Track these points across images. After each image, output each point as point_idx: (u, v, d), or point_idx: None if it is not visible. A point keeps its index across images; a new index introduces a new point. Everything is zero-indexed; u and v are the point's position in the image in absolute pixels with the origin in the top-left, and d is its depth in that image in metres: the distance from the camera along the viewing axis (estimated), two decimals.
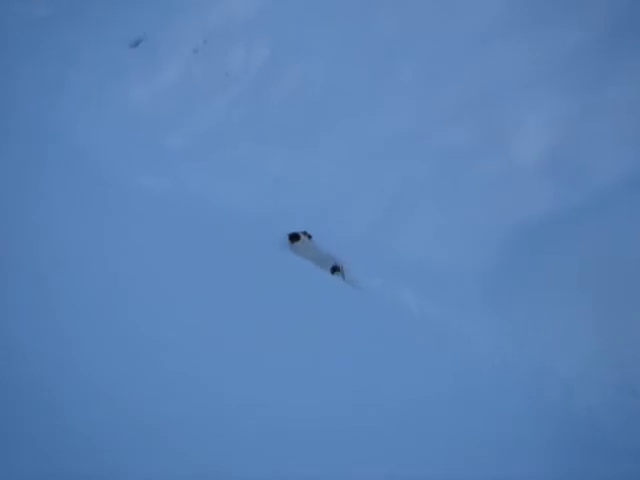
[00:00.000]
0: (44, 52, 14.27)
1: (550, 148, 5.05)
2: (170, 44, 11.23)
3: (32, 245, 4.23)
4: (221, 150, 7.65)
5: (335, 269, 4.88)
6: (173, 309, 3.71)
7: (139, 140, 8.75)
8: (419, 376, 3.43)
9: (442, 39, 6.68)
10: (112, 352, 3.13)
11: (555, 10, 5.92)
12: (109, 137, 8.99)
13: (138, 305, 3.71)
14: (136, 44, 13.66)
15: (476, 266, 4.68)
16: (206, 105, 9.00)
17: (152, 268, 4.29)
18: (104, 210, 5.64)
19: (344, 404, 2.96)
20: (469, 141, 5.49)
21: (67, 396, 2.64)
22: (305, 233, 5.48)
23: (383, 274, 4.93)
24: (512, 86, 5.63)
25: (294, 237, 5.48)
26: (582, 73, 5.24)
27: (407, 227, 5.25)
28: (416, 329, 4.20)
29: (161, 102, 10.00)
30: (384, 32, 7.56)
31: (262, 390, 3.04)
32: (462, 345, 3.98)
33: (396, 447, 2.76)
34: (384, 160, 5.94)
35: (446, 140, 5.64)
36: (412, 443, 2.83)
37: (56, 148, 8.42)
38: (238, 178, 6.78)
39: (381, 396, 3.08)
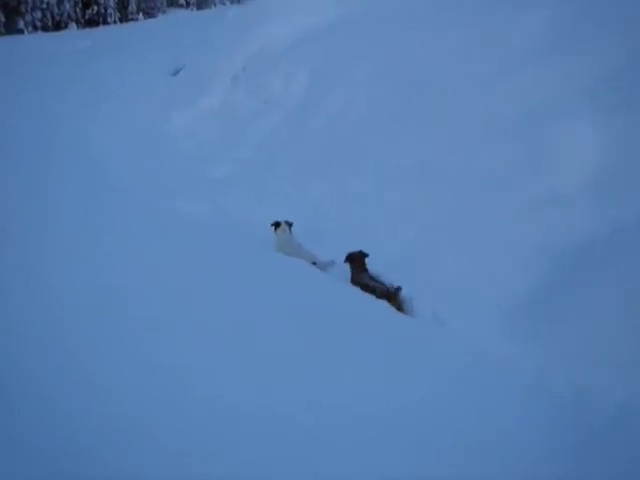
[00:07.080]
0: (84, 83, 14.69)
1: (590, 171, 5.03)
2: (209, 72, 11.54)
3: (91, 269, 4.33)
4: (261, 175, 7.79)
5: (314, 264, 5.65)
6: (202, 317, 3.70)
7: (179, 168, 8.94)
8: (458, 394, 3.48)
9: (478, 63, 6.72)
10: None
11: (595, 31, 5.91)
12: (149, 165, 9.18)
13: (165, 311, 3.77)
14: (176, 73, 14.05)
15: (517, 289, 4.68)
16: (245, 132, 9.18)
17: (190, 282, 4.34)
18: (147, 234, 5.75)
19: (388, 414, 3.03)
20: (509, 164, 5.50)
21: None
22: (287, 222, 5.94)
23: (421, 296, 4.96)
24: (551, 108, 5.63)
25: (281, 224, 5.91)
26: (622, 94, 5.21)
27: (446, 250, 5.26)
28: (458, 350, 4.21)
29: (201, 129, 10.25)
30: (419, 59, 7.64)
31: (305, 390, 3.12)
32: (502, 367, 3.99)
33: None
34: (423, 184, 5.99)
35: (485, 163, 5.66)
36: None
37: (98, 175, 8.64)
38: (277, 203, 6.90)
39: (412, 404, 3.18)
